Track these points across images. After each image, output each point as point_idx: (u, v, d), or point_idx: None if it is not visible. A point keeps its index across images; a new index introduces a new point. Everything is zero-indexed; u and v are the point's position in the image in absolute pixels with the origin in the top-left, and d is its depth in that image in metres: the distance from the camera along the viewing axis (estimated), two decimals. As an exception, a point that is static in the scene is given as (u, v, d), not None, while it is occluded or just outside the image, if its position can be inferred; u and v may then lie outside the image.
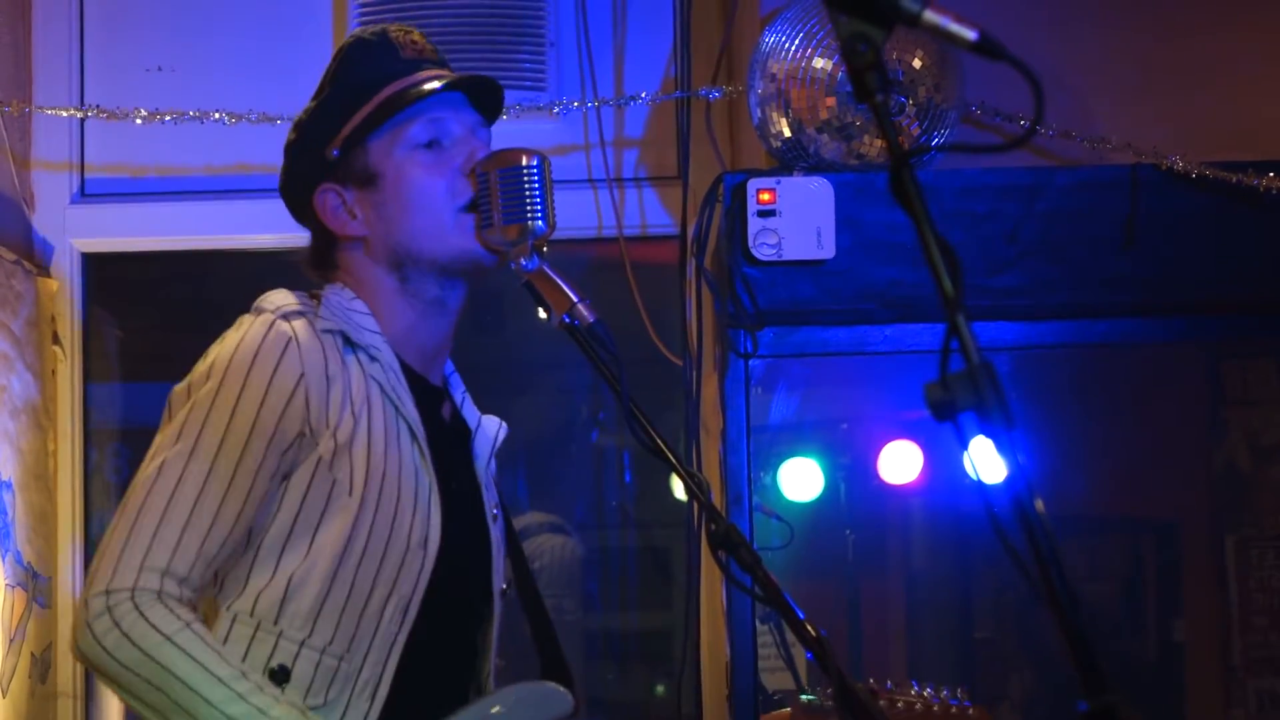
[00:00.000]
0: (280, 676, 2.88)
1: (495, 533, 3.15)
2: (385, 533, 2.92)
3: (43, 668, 4.99)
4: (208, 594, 2.96)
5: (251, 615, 2.91)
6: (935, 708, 3.58)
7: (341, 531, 2.90)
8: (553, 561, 5.87)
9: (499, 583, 3.13)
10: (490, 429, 3.20)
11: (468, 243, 3.03)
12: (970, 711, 3.64)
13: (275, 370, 2.90)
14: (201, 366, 2.97)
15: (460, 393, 3.24)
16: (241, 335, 2.95)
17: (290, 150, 3.15)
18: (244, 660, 2.88)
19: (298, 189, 3.13)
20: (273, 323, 2.94)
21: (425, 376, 3.10)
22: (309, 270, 3.17)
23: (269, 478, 2.90)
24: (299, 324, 2.95)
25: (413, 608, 2.95)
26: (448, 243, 3.03)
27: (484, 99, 3.15)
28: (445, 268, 3.05)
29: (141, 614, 2.80)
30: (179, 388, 2.98)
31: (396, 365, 3.02)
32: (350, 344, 2.99)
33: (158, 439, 2.94)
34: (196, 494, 2.86)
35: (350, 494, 2.90)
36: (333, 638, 2.91)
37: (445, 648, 3.04)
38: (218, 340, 2.99)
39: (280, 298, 3.01)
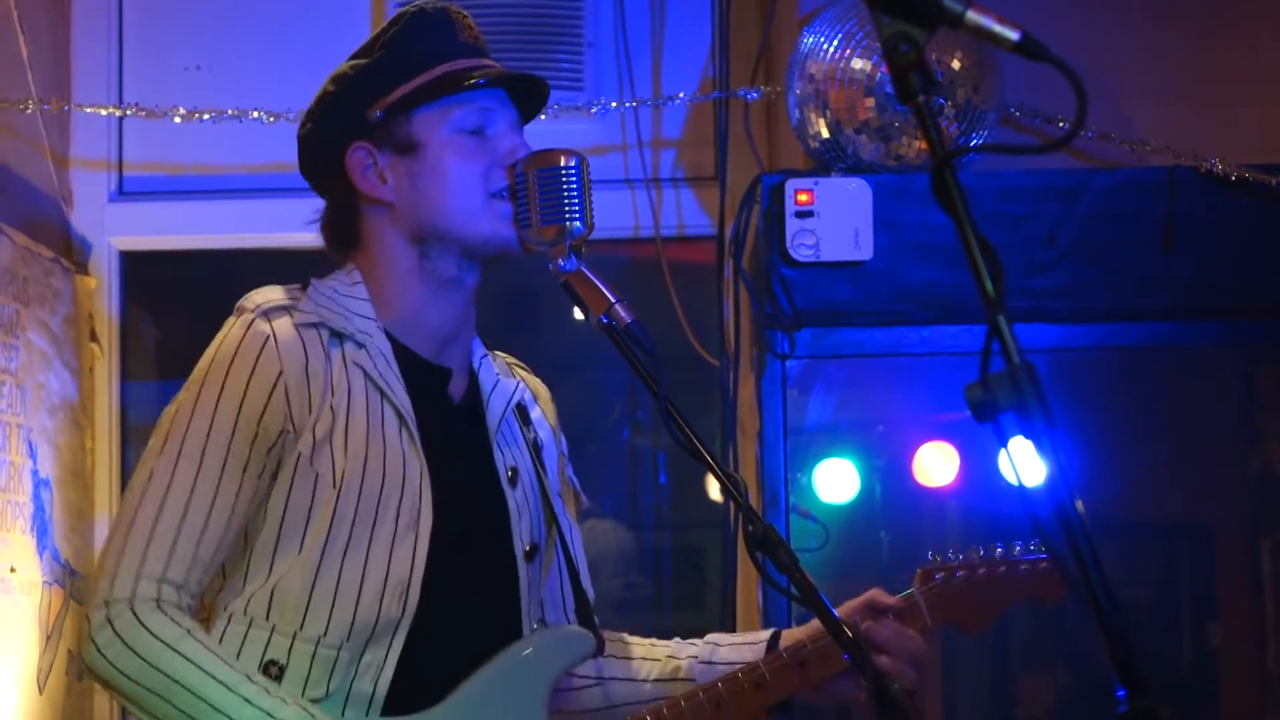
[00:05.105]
0: (273, 671, 2.90)
1: (513, 496, 3.12)
2: (370, 520, 2.93)
3: (79, 665, 5.00)
4: (209, 596, 2.99)
5: (245, 613, 2.94)
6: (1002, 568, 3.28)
7: (325, 523, 2.91)
8: (609, 544, 5.85)
9: (520, 546, 3.11)
10: (505, 392, 3.18)
11: (498, 227, 3.03)
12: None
13: (254, 369, 2.93)
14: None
15: (485, 363, 3.20)
16: (222, 337, 2.98)
17: (325, 103, 3.12)
18: (238, 657, 2.90)
19: (327, 144, 3.10)
20: (251, 322, 2.96)
21: (433, 360, 3.09)
22: (328, 244, 3.16)
23: (256, 477, 2.93)
24: (279, 321, 2.96)
25: (413, 591, 2.94)
26: (479, 226, 3.03)
27: (524, 99, 3.16)
28: (471, 250, 3.05)
29: (142, 623, 2.83)
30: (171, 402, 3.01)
31: (388, 350, 3.03)
32: (336, 335, 2.99)
33: (147, 447, 2.97)
34: (186, 498, 2.89)
35: (333, 486, 2.92)
36: (326, 628, 2.92)
37: (464, 621, 3.02)
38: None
39: (262, 295, 3.02)
